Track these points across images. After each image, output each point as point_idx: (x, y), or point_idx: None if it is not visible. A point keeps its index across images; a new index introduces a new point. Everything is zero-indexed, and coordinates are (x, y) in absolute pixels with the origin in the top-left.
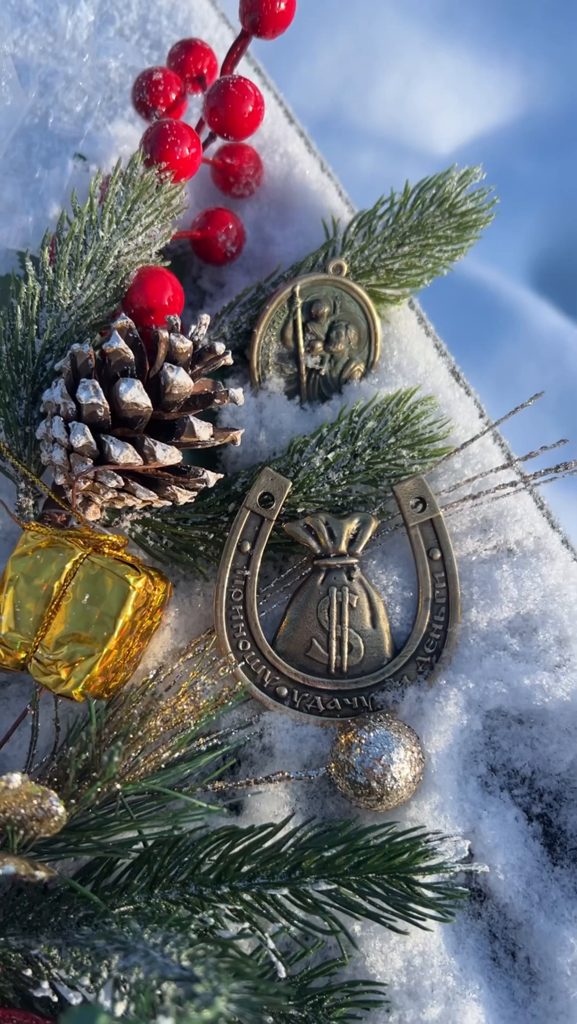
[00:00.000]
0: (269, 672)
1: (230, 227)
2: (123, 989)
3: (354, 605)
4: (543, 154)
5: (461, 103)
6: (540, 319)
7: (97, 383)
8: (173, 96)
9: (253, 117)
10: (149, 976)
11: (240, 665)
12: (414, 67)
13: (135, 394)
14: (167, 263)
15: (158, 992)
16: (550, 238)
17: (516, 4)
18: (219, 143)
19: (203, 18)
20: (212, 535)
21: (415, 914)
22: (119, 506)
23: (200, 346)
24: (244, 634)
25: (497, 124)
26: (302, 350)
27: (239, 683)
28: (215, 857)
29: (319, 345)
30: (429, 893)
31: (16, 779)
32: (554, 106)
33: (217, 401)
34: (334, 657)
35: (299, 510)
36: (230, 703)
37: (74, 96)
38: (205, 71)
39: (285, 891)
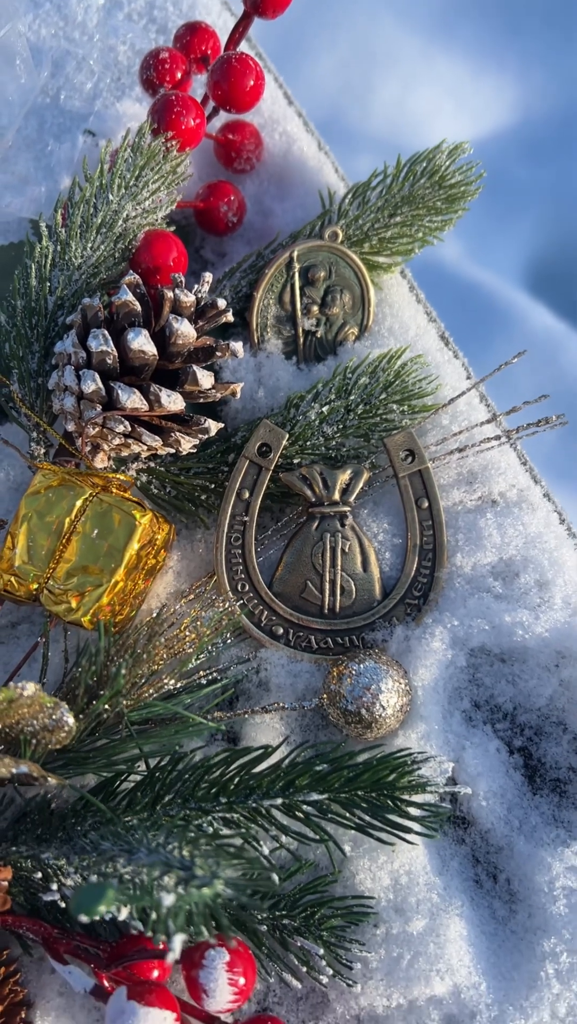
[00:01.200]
0: (266, 612)
1: (232, 198)
2: (129, 889)
3: (346, 550)
4: (538, 159)
5: (458, 109)
6: (535, 320)
7: (106, 332)
8: (179, 74)
9: (254, 91)
10: (152, 869)
11: (238, 604)
12: (412, 73)
13: (142, 342)
14: (172, 229)
15: (160, 883)
16: (545, 241)
17: (512, 13)
18: (222, 120)
19: (206, 4)
20: (212, 485)
21: (401, 829)
22: (125, 453)
23: (203, 302)
24: (242, 576)
25: (493, 129)
26: (299, 313)
27: (237, 613)
28: (214, 775)
29: (315, 308)
30: (415, 811)
31: (30, 687)
32: (549, 112)
33: (218, 354)
34: (327, 599)
35: (295, 461)
36: (227, 633)
37: (84, 77)
38: (209, 52)
39: (279, 801)
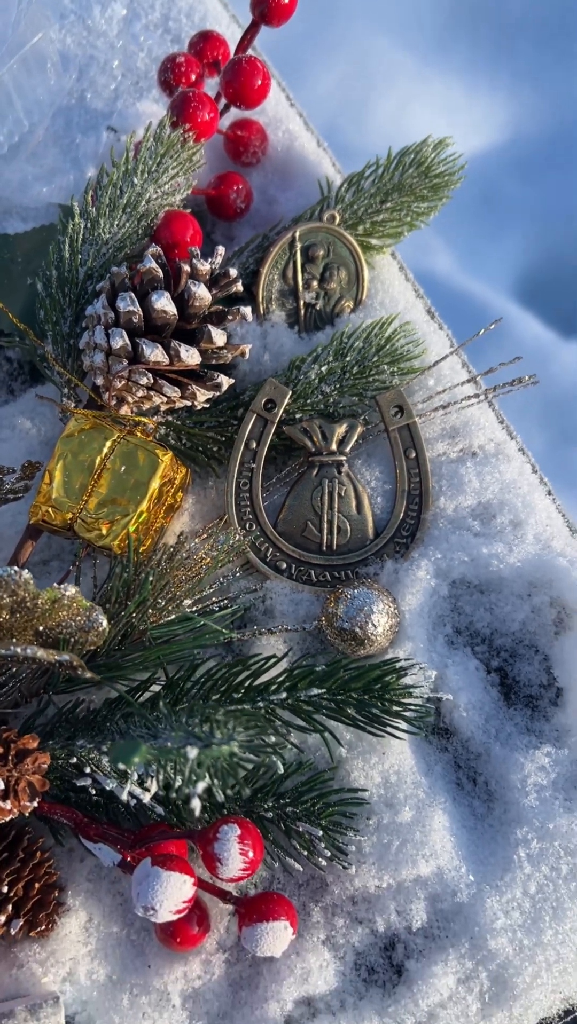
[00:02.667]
0: (271, 549)
1: (240, 187)
2: (156, 750)
3: (342, 494)
4: (528, 176)
5: (451, 127)
6: (525, 330)
7: (133, 295)
8: (193, 77)
9: (261, 89)
10: (176, 739)
11: (247, 540)
12: (408, 92)
13: (164, 303)
14: (188, 211)
15: (183, 750)
16: (534, 254)
17: (504, 36)
18: (231, 119)
19: (216, 17)
20: (223, 438)
21: (389, 725)
22: (147, 406)
23: (217, 271)
24: (250, 516)
25: (485, 147)
26: (300, 287)
27: (240, 536)
28: (227, 682)
29: (315, 283)
30: (405, 713)
31: (71, 589)
32: (539, 131)
33: (230, 317)
34: (325, 537)
35: (297, 416)
36: (237, 554)
37: (106, 80)
38: (220, 57)
39: (284, 695)
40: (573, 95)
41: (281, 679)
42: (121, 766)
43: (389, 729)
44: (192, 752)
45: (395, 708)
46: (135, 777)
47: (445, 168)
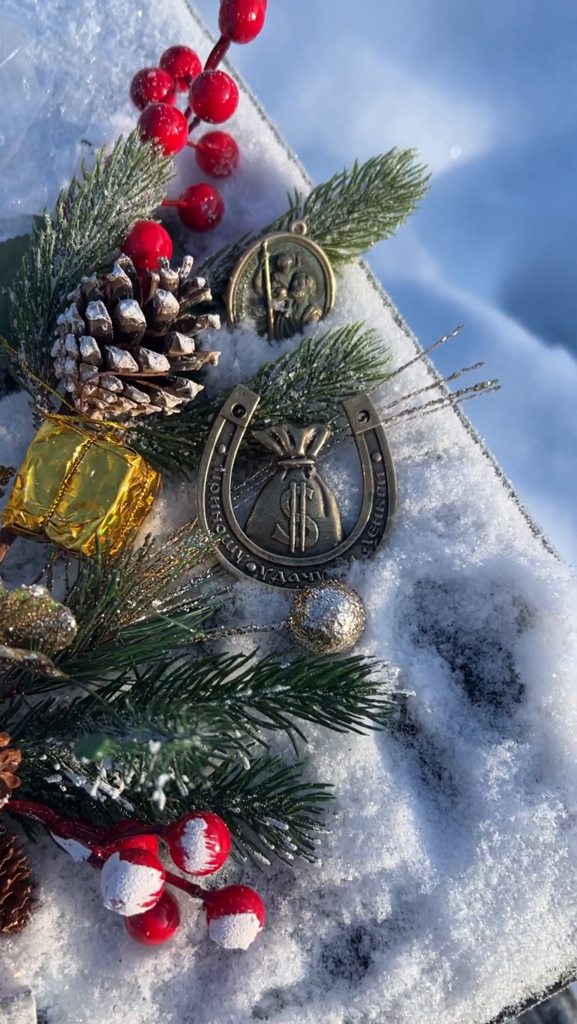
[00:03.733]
0: (241, 551)
1: (211, 198)
2: (121, 762)
3: (311, 497)
4: (511, 186)
5: (435, 138)
6: (509, 338)
7: (102, 303)
8: (164, 91)
9: (229, 103)
10: (140, 734)
11: (216, 542)
12: (391, 104)
13: (133, 311)
14: (159, 222)
15: (144, 746)
16: (518, 263)
17: (487, 47)
18: (203, 131)
19: (189, 32)
20: (193, 443)
21: (354, 721)
22: (118, 412)
23: (185, 280)
24: (220, 520)
25: (469, 157)
26: (270, 296)
27: (209, 538)
28: (195, 681)
29: (284, 292)
30: (370, 709)
31: (39, 590)
32: (522, 141)
33: (199, 325)
34: (294, 539)
35: (266, 421)
36: (205, 555)
37: (81, 94)
38: (191, 72)
39: (250, 693)
40: (555, 105)
41: (248, 677)
42: (86, 760)
43: (354, 725)
44: (155, 746)
45: (359, 705)
46: (104, 774)
47: (410, 179)
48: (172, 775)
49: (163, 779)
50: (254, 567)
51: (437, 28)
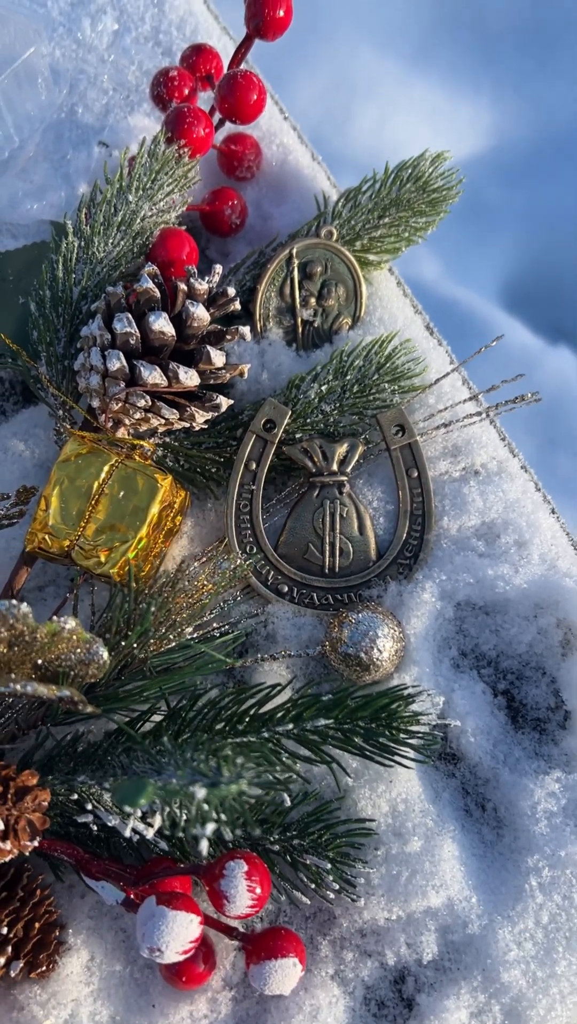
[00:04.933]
0: (272, 572)
1: (235, 202)
2: (163, 789)
3: (344, 515)
4: (512, 183)
5: (435, 134)
6: (511, 336)
7: (130, 315)
8: (186, 91)
9: (257, 104)
10: (182, 778)
11: (248, 563)
12: (390, 101)
13: (162, 324)
14: (184, 227)
15: (190, 789)
16: (520, 260)
17: (486, 42)
18: (225, 133)
19: (207, 29)
20: (221, 459)
21: (398, 754)
22: (144, 428)
23: (215, 290)
24: (251, 539)
25: (469, 154)
26: (298, 304)
27: (242, 562)
28: (229, 711)
29: (312, 300)
30: (411, 740)
31: (71, 622)
32: (523, 137)
33: (228, 337)
34: (327, 559)
35: (297, 436)
36: (240, 579)
37: (97, 94)
38: (213, 71)
39: (290, 726)
40: (556, 101)
41: (287, 709)
42: (128, 808)
43: (398, 758)
44: (200, 792)
45: (403, 736)
46: (138, 813)
47: (443, 183)
48: (218, 822)
49: (210, 827)
50: (286, 589)
51: (436, 23)
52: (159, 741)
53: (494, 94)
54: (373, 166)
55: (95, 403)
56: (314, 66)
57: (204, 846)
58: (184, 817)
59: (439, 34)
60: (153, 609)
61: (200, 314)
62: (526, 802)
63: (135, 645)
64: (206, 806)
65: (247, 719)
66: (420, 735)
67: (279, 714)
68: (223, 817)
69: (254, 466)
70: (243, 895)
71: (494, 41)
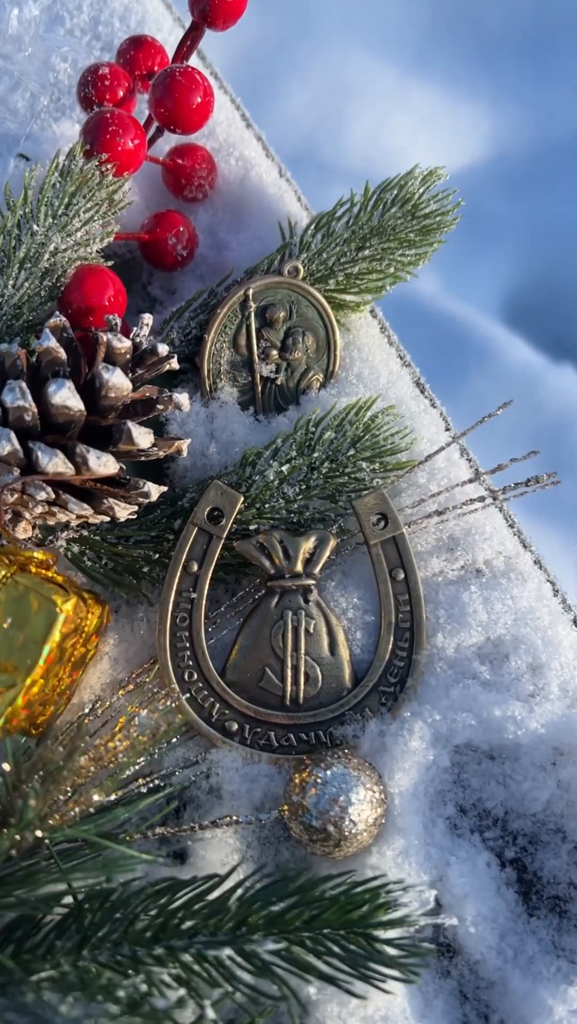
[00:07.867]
0: (218, 705)
1: (180, 230)
2: None
3: (311, 630)
4: (513, 192)
5: (432, 142)
6: (512, 353)
7: (24, 384)
8: (121, 92)
9: (202, 109)
10: None
11: (185, 697)
12: (386, 106)
13: (65, 396)
14: (110, 263)
15: None
16: (521, 274)
17: (485, 46)
18: (171, 143)
19: (157, 20)
20: (156, 555)
21: (375, 975)
22: (52, 522)
23: (141, 348)
24: (190, 663)
25: (467, 163)
26: (256, 357)
27: (179, 716)
28: (152, 912)
29: (274, 353)
30: (391, 951)
31: None
32: (523, 146)
33: (160, 407)
34: (289, 688)
35: (251, 527)
36: (167, 740)
37: (18, 96)
38: (156, 68)
39: (229, 951)
40: (556, 109)
41: (223, 916)
42: None
43: (373, 980)
44: None
45: (379, 948)
46: None
47: (436, 206)
48: None
49: None
50: (236, 727)
51: (433, 27)
52: (53, 956)
53: (493, 99)
54: (367, 175)
55: None
56: (306, 70)
57: None
58: None
59: (436, 38)
60: (33, 802)
61: (116, 382)
62: (544, 1022)
63: (17, 836)
64: None
65: (171, 928)
66: (405, 946)
67: (214, 921)
68: None
69: (196, 568)
70: None
71: (493, 45)
